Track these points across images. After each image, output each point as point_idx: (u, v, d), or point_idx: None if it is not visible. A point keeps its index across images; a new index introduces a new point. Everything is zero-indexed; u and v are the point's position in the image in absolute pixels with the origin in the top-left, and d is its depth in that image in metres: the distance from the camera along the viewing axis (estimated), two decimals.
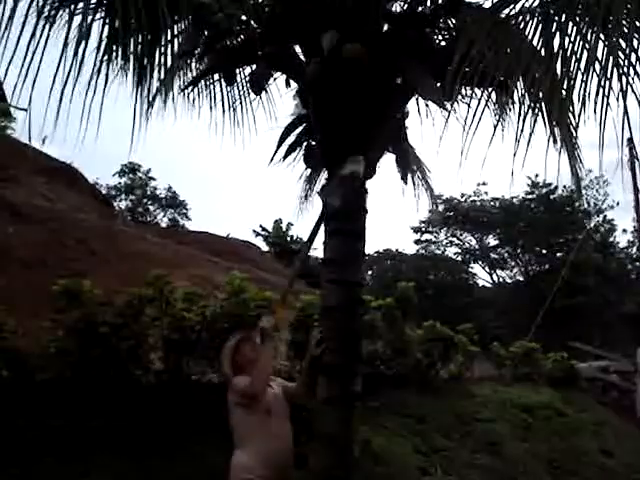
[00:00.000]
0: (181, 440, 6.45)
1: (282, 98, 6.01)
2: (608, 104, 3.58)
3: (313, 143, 5.76)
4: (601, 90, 3.60)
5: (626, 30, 3.67)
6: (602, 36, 3.69)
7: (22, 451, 5.50)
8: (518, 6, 4.27)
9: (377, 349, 10.40)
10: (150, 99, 4.75)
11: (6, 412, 5.74)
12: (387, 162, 5.99)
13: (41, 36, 3.65)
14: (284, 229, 37.60)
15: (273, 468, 3.99)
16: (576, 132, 4.34)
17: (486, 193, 43.63)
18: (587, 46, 3.69)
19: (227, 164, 78.67)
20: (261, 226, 37.55)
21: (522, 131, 3.93)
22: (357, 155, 4.91)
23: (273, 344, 4.31)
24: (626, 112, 3.54)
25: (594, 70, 3.69)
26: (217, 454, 5.84)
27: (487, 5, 4.61)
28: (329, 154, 5.22)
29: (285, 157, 6.09)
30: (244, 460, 4.02)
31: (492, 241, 45.71)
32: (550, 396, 13.84)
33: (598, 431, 13.24)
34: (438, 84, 4.68)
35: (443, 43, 5.39)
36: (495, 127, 4.10)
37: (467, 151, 3.95)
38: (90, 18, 4.01)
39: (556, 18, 3.84)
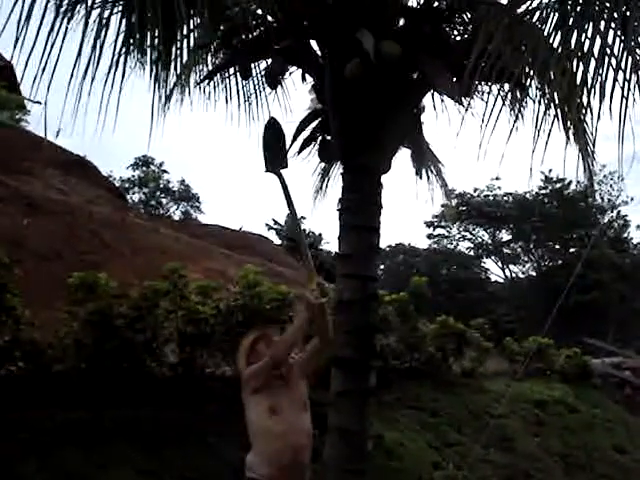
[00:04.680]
0: (196, 432, 6.49)
1: (297, 92, 6.03)
2: (627, 106, 3.57)
3: (328, 137, 5.77)
4: (618, 87, 3.59)
5: None
6: (619, 33, 3.67)
7: (39, 442, 5.53)
8: (535, 2, 4.25)
9: (390, 344, 10.39)
10: (166, 93, 4.77)
11: (23, 403, 5.78)
12: (401, 156, 6.01)
13: (59, 31, 3.66)
14: None
15: (278, 467, 3.86)
16: (594, 134, 4.31)
17: (499, 188, 43.39)
18: (604, 43, 3.67)
19: (241, 157, 78.42)
20: (274, 220, 37.44)
21: (539, 129, 3.93)
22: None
23: (307, 313, 3.92)
24: None
25: (610, 66, 3.67)
26: (231, 446, 5.89)
27: (504, 1, 4.60)
28: (345, 148, 5.24)
29: (300, 151, 6.11)
30: (250, 458, 3.96)
31: (505, 236, 45.52)
32: (563, 392, 13.79)
33: (611, 427, 13.20)
34: (454, 79, 4.69)
35: (459, 39, 5.39)
36: (513, 125, 4.11)
37: (485, 147, 3.95)
38: (107, 12, 4.03)
39: (573, 14, 3.82)
